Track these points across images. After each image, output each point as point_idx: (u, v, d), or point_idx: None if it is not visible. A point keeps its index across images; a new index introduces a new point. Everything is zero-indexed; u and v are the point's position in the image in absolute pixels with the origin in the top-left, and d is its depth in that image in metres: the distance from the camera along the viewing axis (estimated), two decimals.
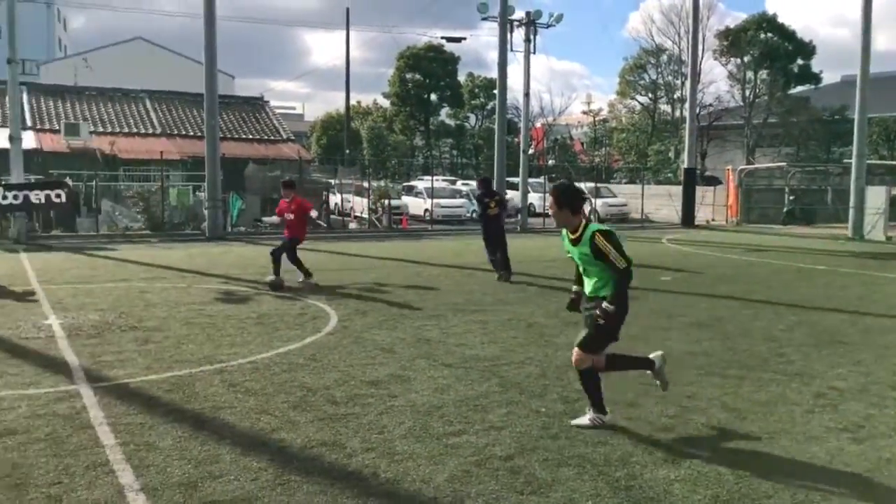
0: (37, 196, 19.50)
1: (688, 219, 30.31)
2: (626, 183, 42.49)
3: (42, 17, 63.29)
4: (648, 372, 5.71)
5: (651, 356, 5.66)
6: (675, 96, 51.02)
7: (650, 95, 52.88)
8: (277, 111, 36.42)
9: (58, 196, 19.74)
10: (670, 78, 51.77)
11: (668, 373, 5.85)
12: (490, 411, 5.73)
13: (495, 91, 35.39)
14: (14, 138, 19.71)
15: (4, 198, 19.13)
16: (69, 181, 20.67)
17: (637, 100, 53.63)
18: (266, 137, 31.69)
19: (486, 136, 50.54)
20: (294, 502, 4.14)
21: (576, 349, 5.33)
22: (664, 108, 52.97)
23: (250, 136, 31.28)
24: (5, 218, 20.06)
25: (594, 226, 5.27)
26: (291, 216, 12.24)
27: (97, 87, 32.04)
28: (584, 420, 5.42)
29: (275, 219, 12.96)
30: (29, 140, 24.33)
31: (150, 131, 29.45)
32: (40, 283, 12.24)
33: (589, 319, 5.32)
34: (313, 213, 12.76)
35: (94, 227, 21.74)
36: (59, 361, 7.14)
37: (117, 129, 28.77)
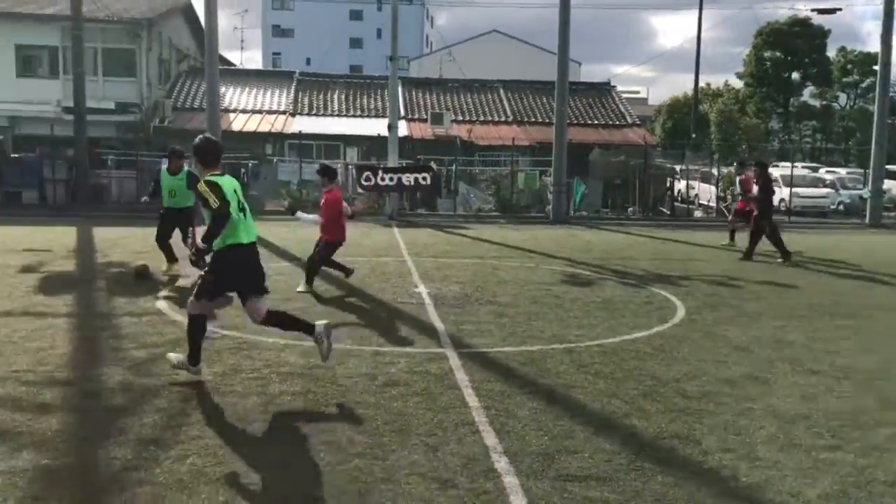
0: (407, 178, 21.98)
1: None
2: None
3: (415, 17, 70.88)
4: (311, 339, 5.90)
5: (316, 323, 5.95)
6: None
7: None
8: (623, 96, 36.25)
9: (424, 179, 22.03)
10: None
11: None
12: (869, 429, 5.08)
13: (874, 67, 31.13)
14: (392, 127, 22.45)
15: (382, 179, 21.91)
16: (433, 165, 22.91)
17: None
18: (611, 123, 31.78)
19: (859, 118, 44.59)
20: (648, 490, 4.11)
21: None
22: None
23: (596, 122, 31.62)
24: (381, 197, 23.00)
25: (207, 176, 5.66)
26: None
27: (458, 79, 34.96)
28: (174, 358, 5.85)
29: (314, 217, 10.00)
30: (402, 128, 27.41)
31: (503, 119, 31.32)
32: (409, 255, 13.77)
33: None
34: (347, 210, 10.15)
35: (452, 207, 23.86)
36: (428, 326, 7.97)
37: (474, 118, 31.11)
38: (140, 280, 10.25)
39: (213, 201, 5.44)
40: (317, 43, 69.16)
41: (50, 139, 23.96)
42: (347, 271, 10.08)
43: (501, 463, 4.42)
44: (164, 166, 11.19)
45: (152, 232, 10.98)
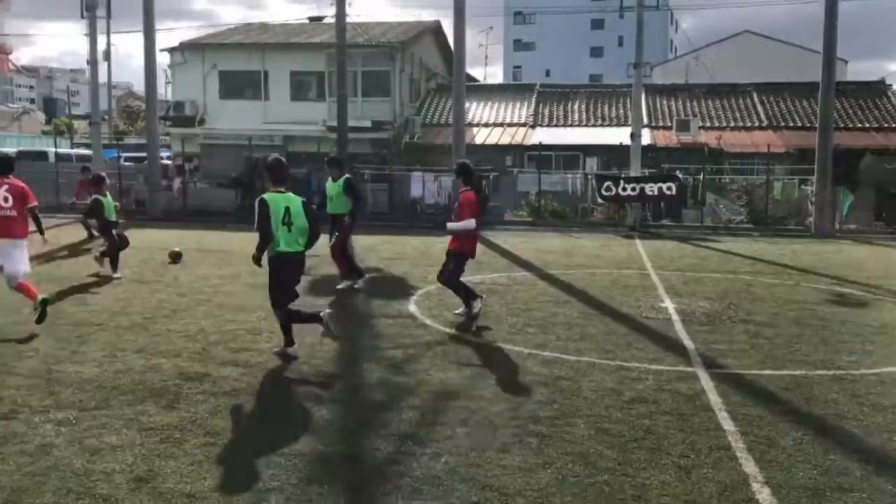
0: (651, 188, 21.36)
1: None
2: None
3: (659, 22, 68.74)
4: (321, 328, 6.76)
5: (321, 313, 6.87)
6: None
7: None
8: None
9: (668, 188, 21.26)
10: None
11: None
12: None
13: None
14: (634, 135, 21.95)
15: (623, 189, 21.49)
16: (678, 174, 21.99)
17: None
18: (886, 125, 28.30)
19: None
20: None
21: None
22: None
23: (867, 125, 28.34)
24: (623, 207, 22.52)
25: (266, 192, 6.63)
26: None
27: (706, 84, 33.21)
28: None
29: (464, 224, 8.40)
30: (645, 136, 26.65)
31: (756, 124, 29.21)
32: (653, 268, 13.30)
33: None
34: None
35: (699, 218, 22.69)
36: (675, 343, 7.63)
37: (724, 124, 29.35)
38: (173, 262, 12.53)
39: (256, 220, 6.51)
40: (557, 54, 69.78)
41: (316, 156, 26.55)
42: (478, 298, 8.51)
43: (763, 494, 4.09)
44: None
45: (404, 240, 11.68)
